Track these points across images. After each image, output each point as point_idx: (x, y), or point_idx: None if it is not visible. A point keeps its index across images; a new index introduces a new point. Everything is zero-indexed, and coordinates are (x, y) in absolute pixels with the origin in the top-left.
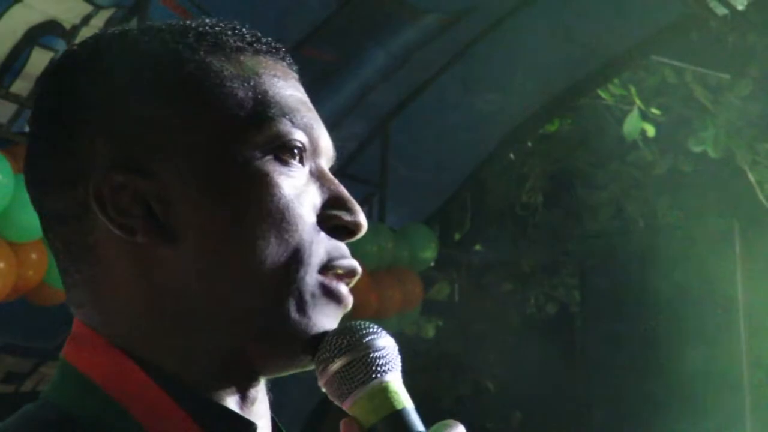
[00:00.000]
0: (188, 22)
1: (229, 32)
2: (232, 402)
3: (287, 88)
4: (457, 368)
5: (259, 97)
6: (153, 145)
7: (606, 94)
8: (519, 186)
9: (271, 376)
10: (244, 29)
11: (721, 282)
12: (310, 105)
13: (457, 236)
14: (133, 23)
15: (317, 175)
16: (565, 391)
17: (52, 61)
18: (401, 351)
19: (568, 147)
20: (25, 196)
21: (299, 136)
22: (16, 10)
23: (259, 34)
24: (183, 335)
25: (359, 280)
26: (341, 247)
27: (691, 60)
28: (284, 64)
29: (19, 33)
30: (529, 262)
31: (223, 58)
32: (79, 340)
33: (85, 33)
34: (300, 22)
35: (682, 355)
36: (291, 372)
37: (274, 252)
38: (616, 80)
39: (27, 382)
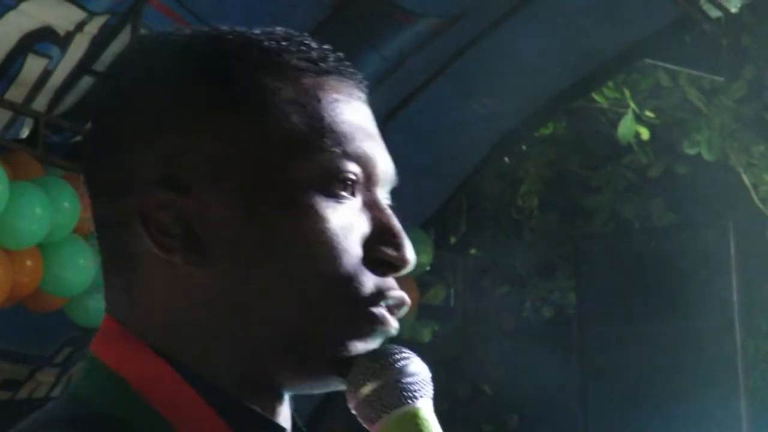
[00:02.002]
0: (256, 31)
1: (294, 49)
2: (260, 409)
3: (347, 113)
4: (454, 372)
5: (315, 124)
6: (199, 165)
7: (600, 97)
8: (514, 189)
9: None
10: (313, 44)
11: (717, 284)
12: (371, 129)
13: (452, 240)
14: (127, 30)
15: (369, 206)
16: (561, 393)
17: (114, 60)
18: None
19: (563, 150)
20: (22, 204)
21: (351, 168)
22: (10, 17)
23: (328, 50)
24: (211, 349)
25: None
26: (388, 280)
27: (685, 63)
28: (350, 83)
29: (14, 40)
30: (525, 265)
31: (282, 80)
32: (109, 336)
33: (79, 40)
34: (294, 27)
35: (677, 357)
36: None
37: (310, 285)
38: (610, 83)
39: (23, 389)
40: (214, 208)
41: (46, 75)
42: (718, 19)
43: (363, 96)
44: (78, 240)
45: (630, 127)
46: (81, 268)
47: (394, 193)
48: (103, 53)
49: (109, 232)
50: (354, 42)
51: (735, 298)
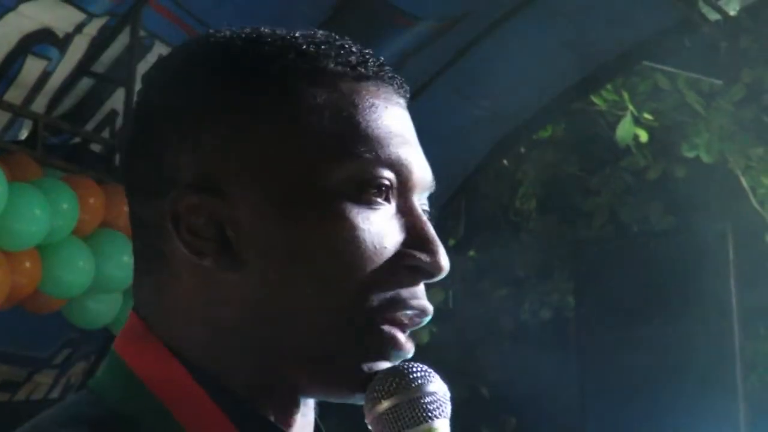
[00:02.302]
0: (296, 34)
1: (333, 53)
2: (275, 417)
3: (384, 119)
4: (452, 374)
5: (350, 130)
6: (233, 168)
7: (599, 100)
8: (513, 192)
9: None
10: (353, 48)
11: (715, 286)
12: (408, 135)
13: (451, 242)
14: (126, 32)
15: (404, 212)
16: (559, 395)
17: (154, 66)
18: None
19: (562, 153)
20: (20, 205)
21: (385, 174)
22: (9, 19)
23: (368, 55)
24: (234, 352)
25: None
26: (414, 289)
27: (684, 65)
28: (389, 88)
29: (13, 41)
30: (524, 267)
31: (319, 85)
32: (132, 334)
33: (78, 41)
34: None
35: (675, 360)
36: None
37: (337, 293)
38: (608, 86)
39: (21, 391)
40: (247, 212)
41: (45, 76)
42: (717, 22)
43: (402, 101)
44: (77, 241)
45: (628, 130)
46: (80, 270)
47: None
48: (102, 55)
49: (143, 233)
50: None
51: (733, 300)
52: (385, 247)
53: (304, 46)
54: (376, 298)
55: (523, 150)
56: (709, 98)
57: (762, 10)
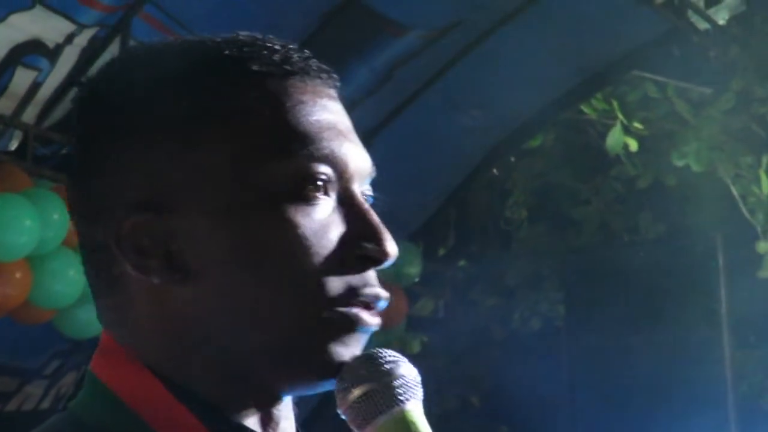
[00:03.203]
0: (217, 40)
1: (257, 55)
2: (255, 423)
3: (313, 113)
4: (443, 383)
5: (280, 129)
6: (173, 182)
7: (589, 109)
8: (503, 201)
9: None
10: (276, 45)
11: (705, 295)
12: (341, 125)
13: (441, 252)
14: (116, 42)
15: (345, 202)
16: (550, 405)
17: (81, 87)
18: None
19: (552, 162)
20: (10, 216)
21: (321, 169)
22: None
23: (292, 50)
24: (204, 362)
25: None
26: (365, 276)
27: (673, 74)
28: (317, 81)
29: (3, 52)
30: (514, 277)
31: (246, 87)
32: (106, 353)
33: (69, 52)
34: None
35: (666, 369)
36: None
37: (287, 291)
38: (598, 95)
39: (12, 401)
40: (190, 224)
41: (35, 87)
42: (706, 31)
43: (332, 92)
44: (67, 252)
45: (618, 139)
46: (70, 280)
47: (383, 203)
48: (93, 65)
49: (93, 255)
50: (342, 54)
51: (723, 309)
52: (331, 240)
53: (227, 51)
54: (330, 290)
55: (513, 159)
56: (698, 107)
57: (751, 19)
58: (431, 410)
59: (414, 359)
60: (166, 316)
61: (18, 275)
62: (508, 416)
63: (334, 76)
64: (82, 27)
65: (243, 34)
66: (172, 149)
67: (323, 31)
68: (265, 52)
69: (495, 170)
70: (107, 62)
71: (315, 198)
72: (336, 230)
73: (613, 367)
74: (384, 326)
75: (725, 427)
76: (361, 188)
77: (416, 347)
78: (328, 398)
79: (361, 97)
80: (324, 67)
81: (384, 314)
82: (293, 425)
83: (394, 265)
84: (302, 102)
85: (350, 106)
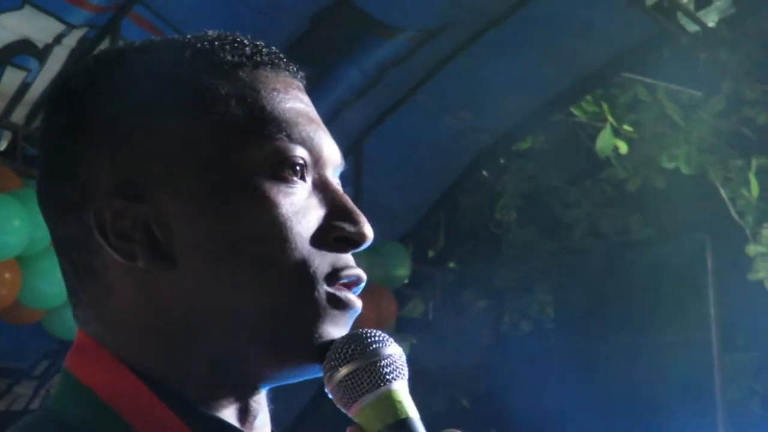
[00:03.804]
0: (187, 37)
1: (227, 47)
2: (232, 416)
3: (287, 101)
4: (432, 385)
5: (257, 114)
6: (152, 170)
7: (579, 111)
8: (492, 203)
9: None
10: (244, 40)
11: (694, 298)
12: (313, 115)
13: (431, 254)
14: (105, 42)
15: (320, 187)
16: (539, 407)
17: (55, 83)
18: None
19: (542, 164)
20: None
21: (298, 152)
22: None
23: (261, 45)
24: (185, 353)
25: None
26: (344, 257)
27: (663, 77)
28: (286, 74)
29: None
30: (503, 279)
31: (220, 76)
32: (82, 351)
33: (58, 52)
34: (273, 42)
35: (655, 371)
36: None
37: (273, 272)
38: (588, 97)
39: (1, 402)
40: (172, 209)
41: (24, 87)
42: (696, 33)
43: (301, 85)
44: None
45: (608, 141)
46: (59, 281)
47: (373, 205)
48: None
49: (71, 252)
50: (332, 56)
51: (712, 311)
52: (310, 221)
53: (199, 45)
54: (316, 269)
55: (503, 161)
56: (688, 110)
57: (740, 22)
58: (421, 412)
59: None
60: (150, 304)
61: (7, 275)
62: (498, 418)
63: (301, 72)
64: (71, 27)
65: (210, 31)
66: (148, 139)
67: (313, 32)
68: (236, 45)
69: (485, 172)
70: (82, 61)
71: (293, 181)
72: (315, 213)
73: (602, 369)
74: (374, 328)
75: (713, 428)
76: (334, 178)
77: (406, 349)
78: (318, 399)
79: (351, 98)
80: (291, 61)
81: (373, 316)
82: (269, 419)
83: (383, 266)
84: (276, 90)
85: (341, 108)
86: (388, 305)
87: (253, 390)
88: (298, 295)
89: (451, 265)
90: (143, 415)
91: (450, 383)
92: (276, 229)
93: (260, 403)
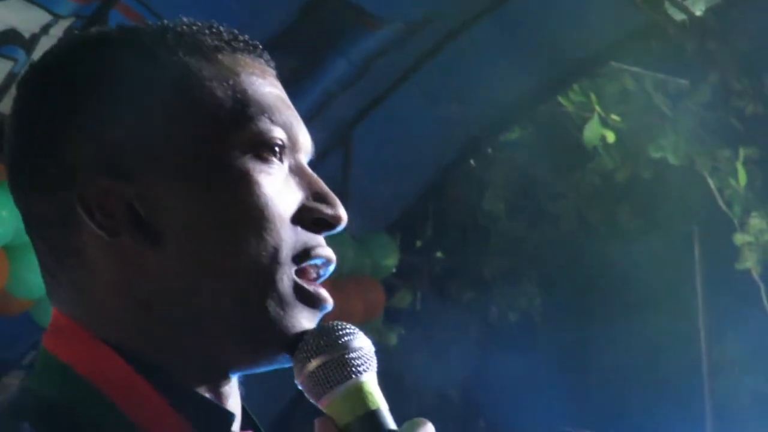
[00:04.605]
0: (165, 22)
1: (207, 31)
2: (208, 394)
3: (265, 86)
4: (420, 376)
5: (239, 96)
6: (136, 149)
7: (566, 102)
8: (480, 194)
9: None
10: (221, 28)
11: (682, 288)
12: (289, 102)
13: (418, 244)
14: None
15: (296, 171)
16: (527, 397)
17: (31, 65)
18: None
19: (529, 154)
20: None
21: (279, 134)
22: None
23: (237, 33)
24: (164, 332)
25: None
26: (317, 238)
27: (651, 66)
28: (262, 61)
29: None
30: (491, 270)
31: (201, 59)
32: (60, 330)
33: (45, 42)
34: (260, 33)
35: (643, 360)
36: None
37: (254, 252)
38: (575, 87)
39: None
40: (156, 189)
41: (11, 78)
42: (683, 22)
43: (274, 73)
44: None
45: (596, 131)
46: None
47: (361, 195)
48: None
49: (48, 232)
50: (320, 47)
51: (700, 301)
52: (289, 204)
53: (178, 29)
54: (290, 252)
55: (490, 151)
56: (676, 99)
57: (728, 11)
58: (408, 403)
59: (391, 351)
60: (131, 282)
61: None
62: (486, 409)
63: (273, 61)
64: (58, 18)
65: (186, 18)
66: (132, 119)
67: (300, 23)
68: (214, 30)
69: (473, 162)
70: (66, 40)
71: (272, 162)
72: (292, 195)
73: (590, 360)
74: (362, 319)
75: (701, 420)
76: (305, 162)
77: (393, 339)
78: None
79: (339, 90)
80: (265, 51)
81: (361, 306)
82: (239, 403)
83: (371, 257)
84: (254, 74)
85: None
86: (376, 295)
87: (226, 375)
88: (271, 279)
89: (439, 255)
90: (123, 390)
91: (438, 373)
92: (259, 208)
93: (233, 386)
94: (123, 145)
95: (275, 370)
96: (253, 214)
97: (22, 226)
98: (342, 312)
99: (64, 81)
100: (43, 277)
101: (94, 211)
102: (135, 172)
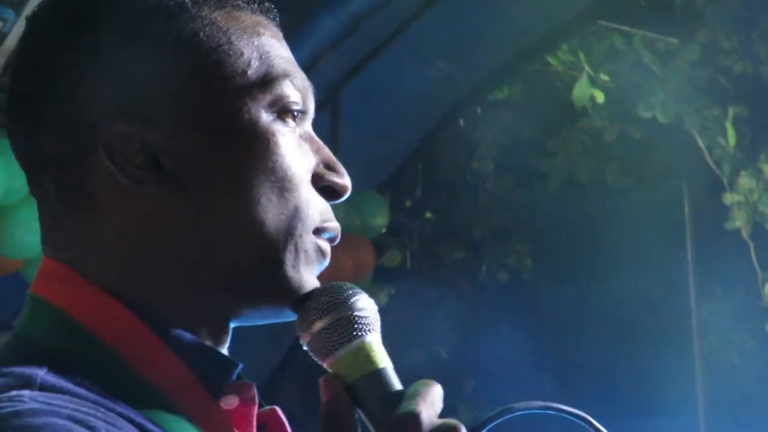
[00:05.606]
0: None
1: None
2: (209, 342)
3: (284, 50)
4: (410, 336)
5: (263, 57)
6: (161, 97)
7: (555, 61)
8: (469, 154)
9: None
10: None
11: (672, 246)
12: (299, 67)
13: (408, 203)
14: None
15: (306, 137)
16: (517, 357)
17: (51, 5)
18: None
19: (518, 114)
20: None
21: (298, 98)
22: None
23: None
24: (175, 282)
25: None
26: (328, 209)
27: (640, 25)
28: (275, 23)
29: None
30: (480, 229)
31: (227, 16)
32: (55, 277)
33: (34, 2)
34: None
35: (633, 319)
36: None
37: (275, 209)
38: (564, 46)
39: None
40: (179, 139)
41: (0, 38)
42: None
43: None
44: (35, 202)
45: (585, 91)
46: (38, 230)
47: (351, 154)
48: None
49: (58, 172)
50: (308, 5)
51: (689, 260)
52: (305, 167)
53: None
54: (307, 216)
55: (479, 111)
56: (665, 58)
57: None
58: (398, 362)
59: (382, 311)
60: (148, 230)
61: None
62: (476, 369)
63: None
64: None
65: None
66: (157, 66)
67: None
68: None
69: (462, 122)
70: None
71: (290, 125)
72: (308, 159)
73: (579, 318)
74: (351, 277)
75: (691, 377)
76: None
77: (383, 299)
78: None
79: (327, 48)
80: (278, 17)
81: (351, 265)
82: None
83: (361, 215)
84: (274, 37)
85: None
86: (366, 254)
87: (225, 325)
88: (290, 235)
89: (428, 215)
90: (127, 338)
91: (428, 333)
92: (283, 168)
93: (228, 337)
94: (148, 91)
95: (262, 333)
96: (278, 173)
97: (12, 186)
98: (332, 270)
99: (88, 14)
100: (43, 222)
101: (117, 156)
102: (159, 120)
